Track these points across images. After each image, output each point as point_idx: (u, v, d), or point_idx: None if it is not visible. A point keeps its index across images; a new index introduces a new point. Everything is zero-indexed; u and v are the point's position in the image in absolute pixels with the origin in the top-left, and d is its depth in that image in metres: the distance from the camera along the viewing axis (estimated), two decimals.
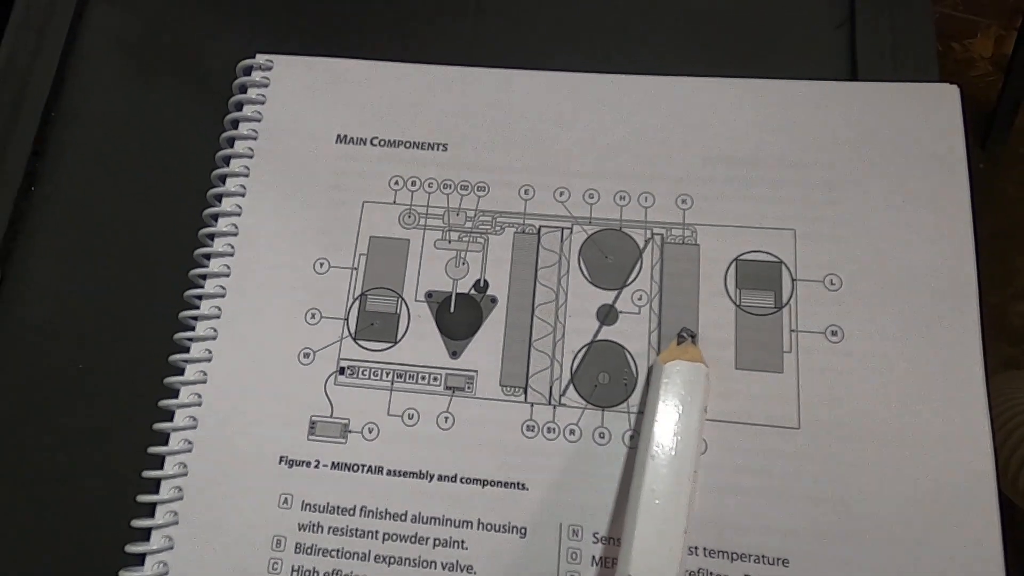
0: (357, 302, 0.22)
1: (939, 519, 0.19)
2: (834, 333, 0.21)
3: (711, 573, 0.19)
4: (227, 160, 0.24)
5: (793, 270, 0.21)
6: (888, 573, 0.19)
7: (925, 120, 0.22)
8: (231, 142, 0.24)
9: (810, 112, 0.23)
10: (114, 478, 0.21)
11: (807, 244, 0.21)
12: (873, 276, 0.21)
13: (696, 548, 0.19)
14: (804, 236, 0.22)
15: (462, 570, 0.20)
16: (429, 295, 0.22)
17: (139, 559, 0.20)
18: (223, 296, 0.22)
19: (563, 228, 0.22)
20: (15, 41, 0.27)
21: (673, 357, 0.20)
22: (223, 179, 0.24)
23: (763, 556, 0.19)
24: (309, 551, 0.20)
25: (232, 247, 0.23)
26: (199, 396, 0.21)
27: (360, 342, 0.22)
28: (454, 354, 0.22)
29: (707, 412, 0.20)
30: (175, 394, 0.22)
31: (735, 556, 0.19)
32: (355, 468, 0.21)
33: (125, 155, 0.25)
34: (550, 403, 0.21)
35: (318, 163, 0.24)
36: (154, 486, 0.21)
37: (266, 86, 0.25)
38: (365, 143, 0.24)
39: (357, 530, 0.20)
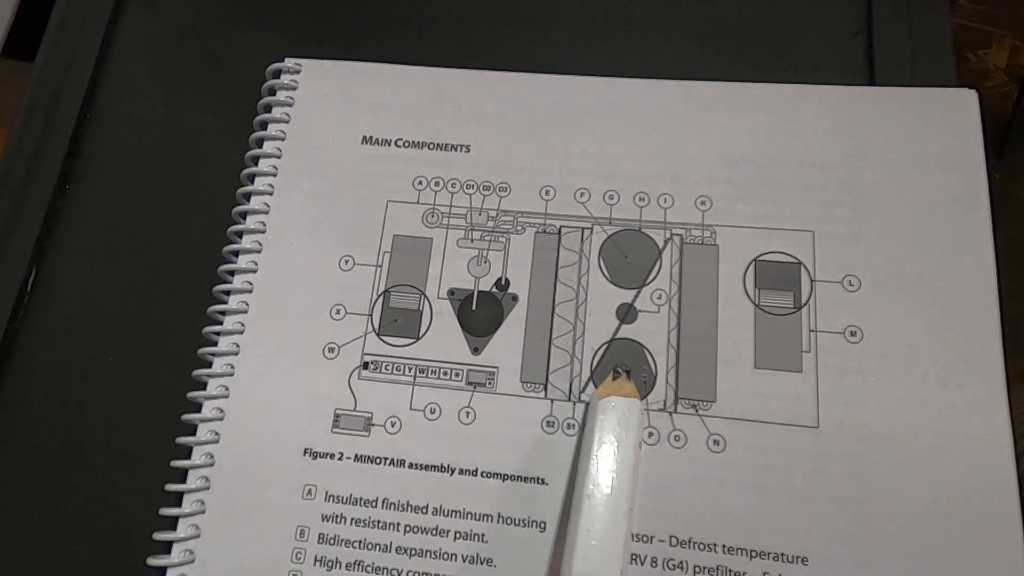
0: (381, 298, 0.23)
1: (958, 521, 0.19)
2: (853, 334, 0.21)
3: (730, 571, 0.19)
4: (255, 161, 0.25)
5: (812, 271, 0.22)
6: (907, 574, 0.19)
7: (944, 125, 0.22)
8: (260, 143, 0.25)
9: (829, 117, 0.23)
10: (143, 467, 0.22)
11: (826, 245, 0.22)
12: (892, 277, 0.21)
13: (715, 545, 0.20)
14: (823, 237, 0.22)
15: (482, 563, 0.20)
16: (451, 292, 0.23)
17: (166, 546, 0.21)
18: (250, 292, 0.23)
19: (583, 228, 0.23)
20: (52, 46, 0.28)
21: (608, 393, 0.20)
22: (252, 179, 0.24)
23: (782, 554, 0.19)
24: (332, 541, 0.20)
25: (260, 244, 0.23)
26: (226, 389, 0.22)
27: (384, 337, 0.22)
28: (476, 350, 0.22)
29: (642, 448, 0.20)
30: (203, 387, 0.22)
31: (754, 554, 0.19)
32: (378, 461, 0.21)
33: (157, 156, 0.26)
34: (570, 399, 0.21)
35: (344, 163, 0.24)
36: (182, 476, 0.21)
37: (294, 89, 0.25)
38: (390, 144, 0.24)
39: (379, 522, 0.21)
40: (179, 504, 0.21)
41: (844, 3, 0.26)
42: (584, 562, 0.18)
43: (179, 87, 0.27)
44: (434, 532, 0.20)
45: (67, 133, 0.26)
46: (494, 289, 0.22)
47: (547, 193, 0.23)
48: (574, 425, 0.21)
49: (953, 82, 0.24)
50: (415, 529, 0.20)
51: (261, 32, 0.27)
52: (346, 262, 0.23)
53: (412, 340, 0.22)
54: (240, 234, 0.24)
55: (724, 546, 0.19)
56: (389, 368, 0.22)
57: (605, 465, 0.19)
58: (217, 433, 0.22)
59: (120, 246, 0.25)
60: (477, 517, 0.20)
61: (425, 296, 0.23)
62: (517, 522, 0.20)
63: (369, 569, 0.20)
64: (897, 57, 0.25)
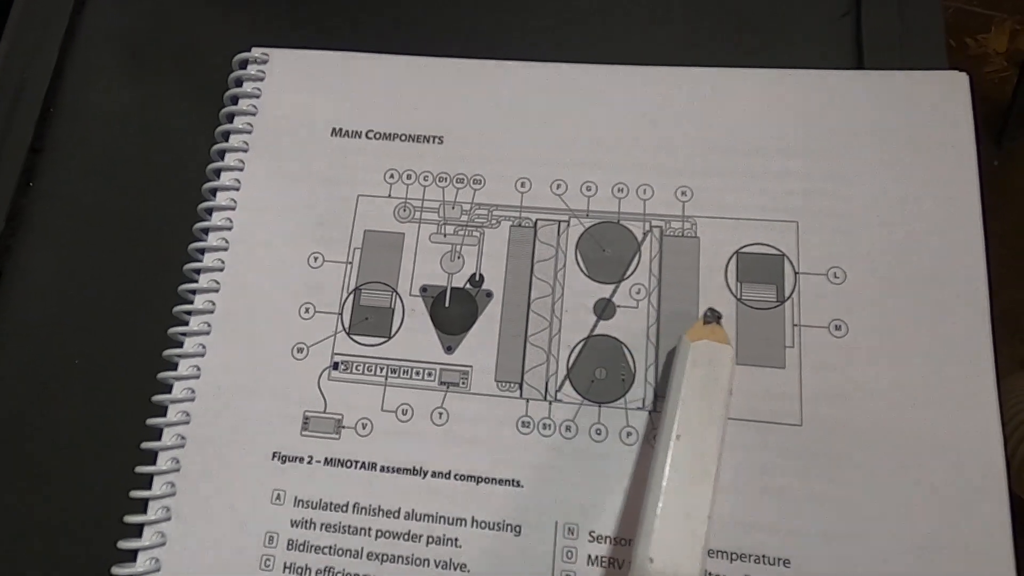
0: (351, 296, 0.22)
1: (946, 519, 0.18)
2: (838, 328, 0.20)
3: (710, 574, 0.19)
4: (222, 153, 0.24)
5: (796, 263, 0.21)
6: (893, 574, 0.18)
7: (933, 109, 0.22)
8: (226, 136, 0.24)
9: (814, 102, 0.22)
10: (107, 473, 0.21)
11: (810, 236, 0.21)
12: (878, 269, 0.20)
13: None
14: (807, 228, 0.21)
15: (455, 568, 0.19)
16: (424, 289, 0.22)
17: (131, 555, 0.20)
18: (217, 291, 0.22)
19: (560, 221, 0.22)
20: (15, 35, 0.27)
21: (700, 336, 0.19)
22: (218, 172, 0.24)
23: (764, 556, 0.19)
24: (301, 548, 0.20)
25: (227, 241, 0.23)
26: (192, 391, 0.21)
27: (354, 337, 0.22)
28: (449, 349, 0.21)
29: (732, 396, 0.19)
30: (169, 389, 0.21)
31: (735, 556, 0.19)
32: (348, 464, 0.20)
33: (122, 150, 0.25)
34: (546, 399, 0.20)
35: (313, 156, 0.23)
36: (147, 482, 0.21)
37: (261, 79, 0.24)
38: (360, 136, 0.24)
39: (350, 527, 0.20)
40: (144, 511, 0.20)
41: None
42: (672, 503, 0.17)
43: (147, 78, 0.26)
44: (406, 537, 0.20)
45: (30, 127, 0.25)
46: (468, 285, 0.22)
47: (523, 185, 0.23)
48: (550, 425, 0.20)
49: (944, 65, 0.23)
50: (387, 534, 0.20)
51: (231, 20, 0.27)
52: (315, 259, 0.22)
53: (383, 339, 0.21)
54: (207, 231, 0.23)
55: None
56: (360, 368, 0.21)
57: (695, 408, 0.18)
58: (183, 437, 0.21)
59: (85, 244, 0.24)
60: (450, 521, 0.20)
61: (397, 293, 0.22)
62: (491, 526, 0.20)
63: (340, 575, 0.20)
64: (886, 39, 0.24)
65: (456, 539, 0.20)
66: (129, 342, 0.23)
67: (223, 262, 0.22)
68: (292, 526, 0.20)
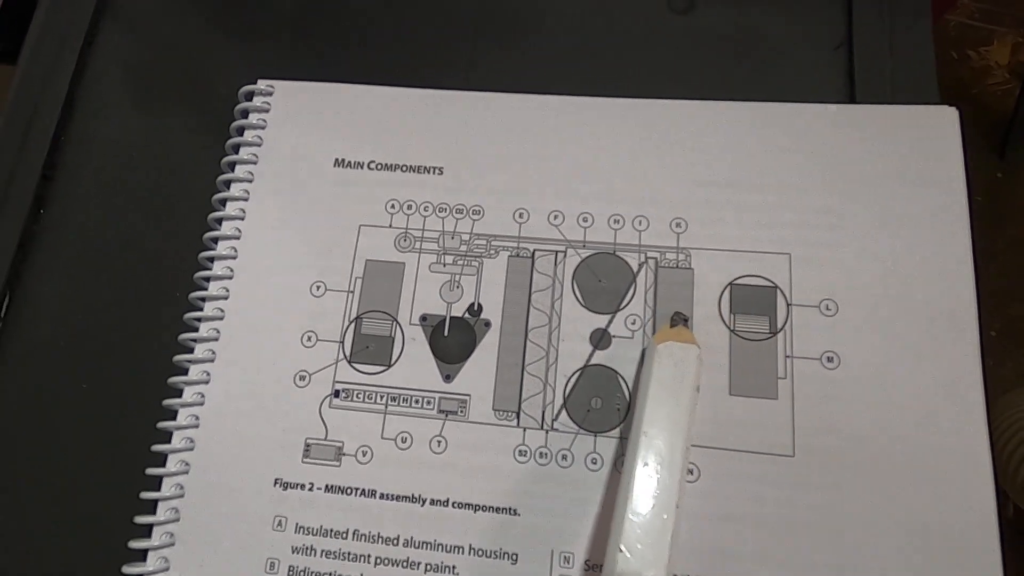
0: (352, 325, 0.22)
1: (938, 549, 0.19)
2: (830, 359, 0.20)
3: None
4: (228, 184, 0.24)
5: (788, 295, 0.21)
6: None
7: (924, 143, 0.22)
8: (232, 166, 0.25)
9: (807, 135, 0.23)
10: (111, 498, 0.22)
11: (803, 268, 0.21)
12: (870, 301, 0.21)
13: None
14: (800, 260, 0.21)
15: None
16: (423, 318, 0.22)
17: None
18: (222, 319, 0.23)
19: (557, 252, 0.23)
20: (27, 66, 0.27)
21: (666, 339, 0.20)
22: (223, 202, 0.24)
23: None
24: (302, 574, 0.20)
25: (231, 270, 0.23)
26: (196, 417, 0.22)
27: (355, 365, 0.22)
28: (447, 378, 0.22)
29: (699, 392, 0.20)
30: (174, 416, 0.22)
31: None
32: (348, 491, 0.21)
33: (131, 179, 0.26)
34: (543, 428, 0.21)
35: (316, 187, 0.24)
36: (151, 507, 0.21)
37: (267, 111, 0.25)
38: (362, 167, 0.24)
39: (349, 554, 0.20)
40: (149, 536, 0.21)
41: (824, 17, 0.25)
42: (641, 492, 0.18)
43: (155, 109, 0.27)
44: (405, 564, 0.20)
45: (41, 156, 0.26)
46: (467, 315, 0.22)
47: (521, 216, 0.23)
48: (546, 454, 0.21)
49: (936, 98, 0.23)
50: (385, 561, 0.20)
51: (238, 52, 0.27)
52: (318, 288, 0.23)
53: (384, 367, 0.22)
54: (212, 259, 0.23)
55: None
56: (360, 396, 0.22)
57: (662, 405, 0.19)
58: (187, 463, 0.21)
59: (94, 272, 0.25)
60: (448, 549, 0.20)
61: (397, 322, 0.22)
62: (488, 554, 0.20)
63: None
64: (878, 72, 0.24)
65: (454, 566, 0.20)
66: (135, 369, 0.23)
67: (227, 291, 0.23)
68: (293, 552, 0.20)
